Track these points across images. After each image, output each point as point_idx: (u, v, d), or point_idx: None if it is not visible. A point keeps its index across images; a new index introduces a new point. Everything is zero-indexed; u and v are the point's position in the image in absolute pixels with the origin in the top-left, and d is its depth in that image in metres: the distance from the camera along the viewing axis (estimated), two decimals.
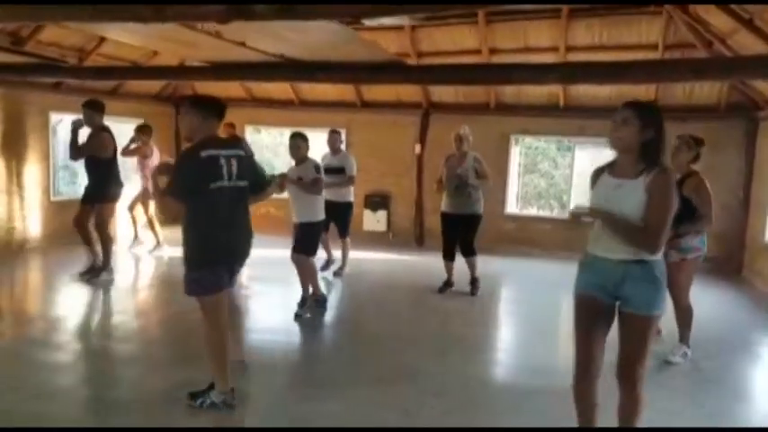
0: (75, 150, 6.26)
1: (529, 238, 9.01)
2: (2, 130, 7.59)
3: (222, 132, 5.97)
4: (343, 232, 7.06)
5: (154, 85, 9.87)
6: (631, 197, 2.60)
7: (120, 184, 6.82)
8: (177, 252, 3.65)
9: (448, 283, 6.49)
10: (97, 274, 6.36)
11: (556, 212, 10.63)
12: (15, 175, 7.83)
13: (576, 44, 7.52)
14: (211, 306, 3.39)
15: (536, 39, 7.68)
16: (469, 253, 6.36)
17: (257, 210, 10.15)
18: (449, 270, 6.46)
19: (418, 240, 9.55)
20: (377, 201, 9.65)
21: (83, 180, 6.91)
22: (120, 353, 4.51)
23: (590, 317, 2.77)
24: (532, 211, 9.94)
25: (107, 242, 6.37)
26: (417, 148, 9.40)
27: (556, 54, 7.58)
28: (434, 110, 9.34)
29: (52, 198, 8.31)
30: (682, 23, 6.66)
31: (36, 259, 7.60)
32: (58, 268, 7.03)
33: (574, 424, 2.93)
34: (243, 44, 4.25)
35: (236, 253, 3.53)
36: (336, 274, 7.07)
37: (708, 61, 5.79)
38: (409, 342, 4.93)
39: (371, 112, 9.66)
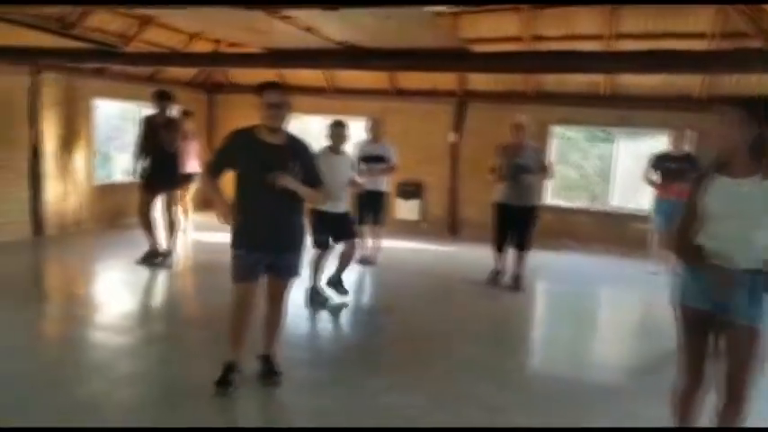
0: (152, 143, 6.31)
1: (567, 230, 8.96)
2: (54, 115, 7.67)
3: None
4: (378, 221, 7.04)
5: (188, 72, 9.88)
6: (759, 195, 2.48)
7: (184, 170, 7.12)
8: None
9: (499, 272, 6.37)
10: (159, 257, 6.46)
11: (592, 204, 10.55)
12: (65, 160, 7.95)
13: (623, 32, 7.42)
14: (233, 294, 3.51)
15: (582, 26, 7.59)
16: (524, 247, 6.21)
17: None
18: (500, 260, 6.36)
19: (451, 230, 9.53)
20: (410, 189, 9.63)
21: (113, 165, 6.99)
22: (196, 338, 4.55)
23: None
24: (571, 203, 9.85)
25: (174, 226, 6.48)
26: (451, 137, 9.36)
27: (600, 42, 7.50)
28: (470, 98, 9.28)
29: (94, 183, 8.42)
30: (735, 12, 6.55)
31: (87, 243, 7.69)
32: (115, 252, 7.14)
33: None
34: (308, 29, 4.26)
35: (262, 242, 3.46)
36: (368, 262, 7.06)
37: (760, 52, 5.71)
38: (466, 335, 4.90)
39: (405, 100, 9.61)
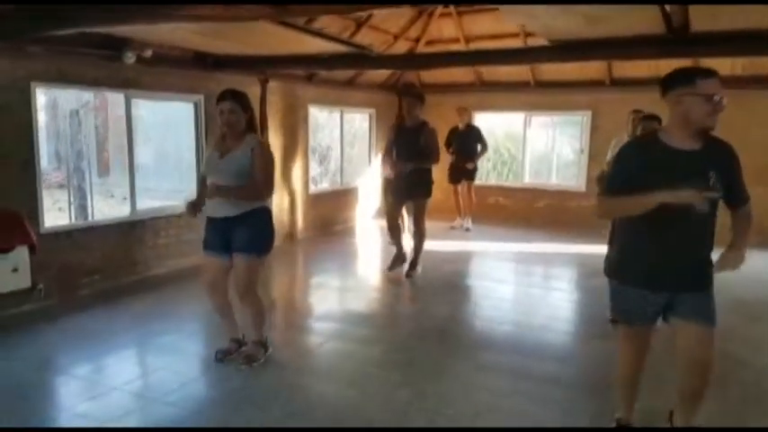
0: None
1: None
2: (276, 123, 7.67)
3: None
4: None
5: (382, 74, 9.63)
6: None
7: None
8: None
9: None
10: (407, 265, 6.17)
11: None
12: (287, 167, 7.94)
13: None
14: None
15: None
16: None
17: (485, 199, 9.84)
18: None
19: None
20: None
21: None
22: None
23: None
24: None
25: (423, 237, 6.12)
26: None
27: None
28: None
29: (310, 191, 8.37)
30: None
31: (311, 251, 7.65)
32: (356, 259, 7.02)
33: None
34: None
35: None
36: None
37: None
38: None
39: (622, 90, 8.70)
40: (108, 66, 5.31)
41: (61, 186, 8.36)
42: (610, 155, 6.23)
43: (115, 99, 12.37)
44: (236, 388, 3.51)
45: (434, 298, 5.55)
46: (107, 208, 9.02)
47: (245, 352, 3.85)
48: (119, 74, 5.46)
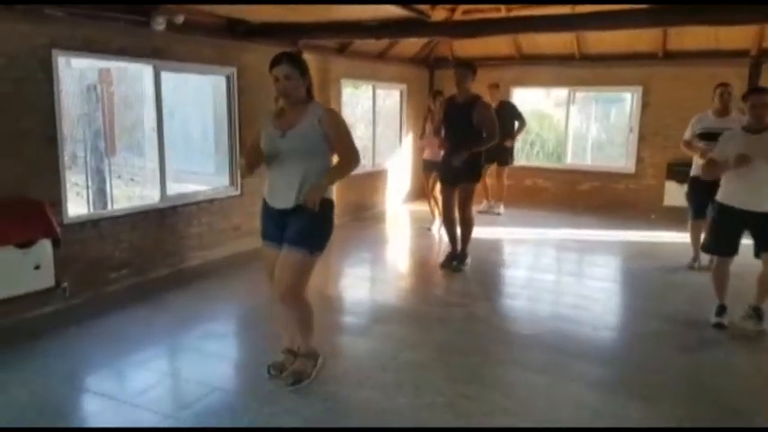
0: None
1: None
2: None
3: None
4: None
5: (414, 47, 8.98)
6: None
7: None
8: None
9: None
10: (461, 260, 5.61)
11: None
12: None
13: None
14: None
15: None
16: None
17: (521, 181, 9.26)
18: None
19: None
20: (682, 171, 8.07)
21: None
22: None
23: None
24: None
25: (471, 225, 5.54)
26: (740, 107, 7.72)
27: None
28: None
29: None
30: None
31: (347, 238, 6.92)
32: (385, 249, 6.57)
33: None
34: None
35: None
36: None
37: None
38: None
39: (677, 64, 8.09)
40: (136, 32, 4.69)
41: (68, 168, 7.75)
42: (689, 132, 5.67)
43: (122, 73, 11.78)
44: (286, 409, 2.96)
45: (484, 293, 5.07)
46: (116, 191, 8.46)
47: (292, 368, 3.25)
48: (148, 42, 4.83)
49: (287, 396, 3.09)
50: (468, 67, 5.34)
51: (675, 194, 8.18)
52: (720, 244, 4.12)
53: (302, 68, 3.00)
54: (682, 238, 6.73)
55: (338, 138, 3.01)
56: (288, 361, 3.32)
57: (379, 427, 2.85)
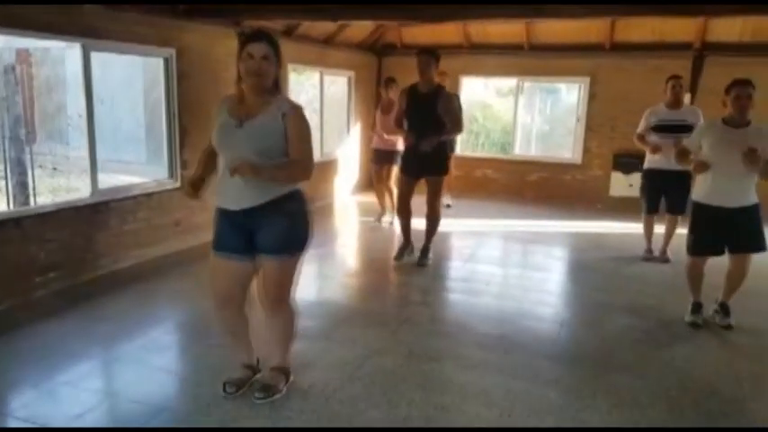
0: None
1: None
2: None
3: None
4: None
5: (361, 33, 8.67)
6: None
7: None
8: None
9: None
10: (425, 255, 5.44)
11: None
12: None
13: None
14: None
15: None
16: None
17: (471, 171, 9.17)
18: None
19: None
20: (628, 161, 8.22)
21: None
22: None
23: None
24: None
25: (437, 219, 5.36)
26: (687, 99, 7.88)
27: None
28: (710, 52, 7.75)
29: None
30: None
31: None
32: (338, 244, 6.22)
33: None
34: None
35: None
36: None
37: None
38: None
39: (623, 56, 8.17)
40: (64, 8, 4.17)
41: None
42: (643, 125, 5.68)
43: (43, 54, 10.86)
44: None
45: (446, 289, 4.90)
46: (39, 182, 7.74)
47: (263, 381, 2.96)
48: (80, 19, 4.31)
49: (246, 416, 2.77)
50: (431, 54, 5.08)
51: (621, 185, 8.33)
52: (707, 246, 4.00)
53: (279, 54, 2.64)
54: (629, 228, 6.83)
55: (298, 140, 2.65)
56: (246, 376, 3.00)
57: (378, 427, 2.72)
